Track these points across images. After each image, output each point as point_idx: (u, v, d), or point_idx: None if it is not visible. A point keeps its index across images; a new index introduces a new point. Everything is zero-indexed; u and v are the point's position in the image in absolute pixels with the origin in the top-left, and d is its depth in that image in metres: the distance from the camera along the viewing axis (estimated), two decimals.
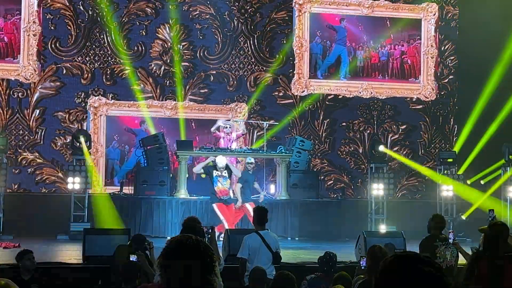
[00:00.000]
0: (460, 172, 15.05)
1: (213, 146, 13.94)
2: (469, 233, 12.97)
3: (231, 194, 12.42)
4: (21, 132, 14.90)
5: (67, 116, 15.12)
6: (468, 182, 14.84)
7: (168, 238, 2.58)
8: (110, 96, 15.30)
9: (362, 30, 16.56)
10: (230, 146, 13.84)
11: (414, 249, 8.36)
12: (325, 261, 6.73)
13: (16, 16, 14.91)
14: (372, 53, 16.61)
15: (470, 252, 7.02)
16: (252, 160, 12.99)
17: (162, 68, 15.61)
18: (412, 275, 1.90)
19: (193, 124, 15.52)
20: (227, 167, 12.16)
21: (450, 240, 6.82)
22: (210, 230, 6.72)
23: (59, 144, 15.04)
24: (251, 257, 7.02)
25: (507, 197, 14.23)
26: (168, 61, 15.62)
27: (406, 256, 1.96)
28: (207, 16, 15.84)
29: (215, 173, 11.99)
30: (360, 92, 16.46)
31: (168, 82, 15.61)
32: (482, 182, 15.04)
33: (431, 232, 7.31)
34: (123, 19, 15.46)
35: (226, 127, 13.90)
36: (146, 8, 15.59)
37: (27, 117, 14.93)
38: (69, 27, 15.21)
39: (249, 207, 12.03)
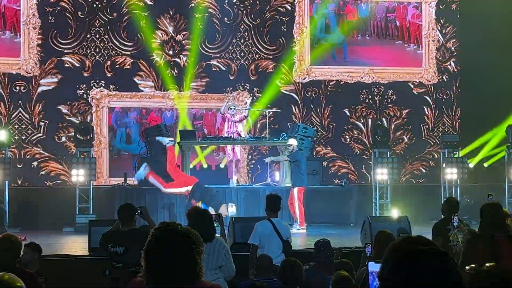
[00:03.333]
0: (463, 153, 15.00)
1: (216, 135, 13.94)
2: (474, 216, 12.96)
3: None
4: (24, 126, 14.92)
5: (69, 108, 15.13)
6: (471, 165, 14.82)
7: None
8: (112, 87, 15.31)
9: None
10: (236, 131, 13.75)
11: (420, 233, 8.36)
12: (322, 250, 6.67)
13: None
14: (349, 7, 16.45)
15: None
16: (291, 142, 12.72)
17: (163, 58, 15.58)
18: (416, 271, 1.85)
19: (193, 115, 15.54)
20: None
21: (454, 224, 6.78)
22: (217, 217, 6.74)
23: (62, 137, 15.06)
24: (261, 244, 7.02)
25: None
26: (170, 51, 15.61)
27: (403, 252, 1.90)
28: (207, 5, 15.79)
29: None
30: (362, 77, 16.42)
31: (170, 72, 15.59)
32: (485, 165, 15.02)
33: (445, 215, 7.30)
34: (123, 10, 15.42)
35: (231, 109, 13.83)
36: None
37: (30, 111, 14.94)
38: (68, 20, 15.18)
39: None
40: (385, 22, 16.49)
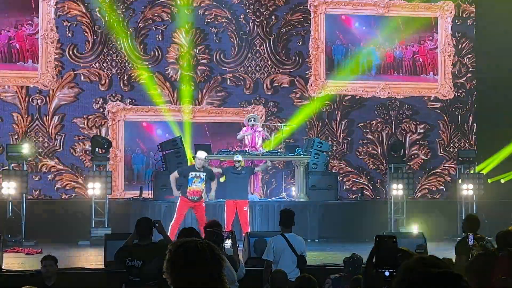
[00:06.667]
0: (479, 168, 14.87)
1: (231, 149, 13.95)
2: (491, 233, 12.85)
3: (203, 196, 11.68)
4: (40, 139, 15.03)
5: (85, 122, 15.23)
6: (489, 181, 14.71)
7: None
8: (128, 101, 15.41)
9: (378, 31, 16.52)
10: (256, 144, 13.76)
11: (435, 249, 8.33)
12: (351, 262, 6.74)
13: (26, 26, 15.05)
14: (388, 53, 16.57)
15: None
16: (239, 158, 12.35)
17: (179, 72, 15.66)
18: None
19: (207, 131, 15.57)
20: (205, 170, 11.51)
21: (470, 243, 6.65)
22: (230, 234, 6.73)
23: (78, 150, 15.16)
24: (276, 260, 7.02)
25: None
26: (185, 65, 15.68)
27: (418, 274, 1.90)
28: (223, 20, 15.88)
29: (191, 174, 11.38)
30: (377, 92, 16.41)
31: (185, 86, 15.66)
32: (502, 181, 14.91)
33: (466, 232, 7.21)
34: (140, 24, 15.55)
35: (250, 120, 13.82)
36: (162, 13, 15.66)
37: (46, 124, 15.06)
38: (86, 34, 15.33)
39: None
40: (413, 61, 16.63)
